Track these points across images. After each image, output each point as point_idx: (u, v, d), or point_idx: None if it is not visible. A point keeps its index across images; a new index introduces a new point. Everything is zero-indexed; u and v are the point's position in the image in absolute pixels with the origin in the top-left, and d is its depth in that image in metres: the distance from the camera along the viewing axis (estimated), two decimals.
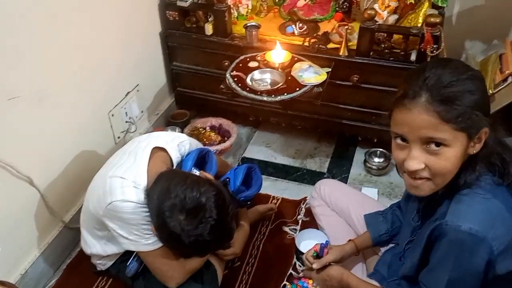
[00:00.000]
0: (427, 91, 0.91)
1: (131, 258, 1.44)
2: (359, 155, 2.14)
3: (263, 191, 1.92)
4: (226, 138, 2.15)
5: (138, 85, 2.02)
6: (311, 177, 2.03)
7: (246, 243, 1.66)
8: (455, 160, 0.94)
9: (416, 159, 0.95)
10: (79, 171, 1.71)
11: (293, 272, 1.63)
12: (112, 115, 1.88)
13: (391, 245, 1.45)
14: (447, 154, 0.93)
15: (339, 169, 2.08)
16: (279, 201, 1.92)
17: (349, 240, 1.43)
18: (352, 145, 2.19)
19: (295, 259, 1.66)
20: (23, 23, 1.36)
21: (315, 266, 1.33)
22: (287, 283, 1.59)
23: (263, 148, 2.21)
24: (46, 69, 1.49)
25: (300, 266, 1.64)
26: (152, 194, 1.25)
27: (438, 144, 0.92)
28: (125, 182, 1.30)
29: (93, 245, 1.49)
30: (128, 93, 1.96)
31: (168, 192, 1.21)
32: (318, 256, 1.38)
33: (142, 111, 2.09)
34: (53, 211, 1.61)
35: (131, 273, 1.45)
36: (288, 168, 2.11)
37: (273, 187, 2.00)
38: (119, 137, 1.93)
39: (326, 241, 1.46)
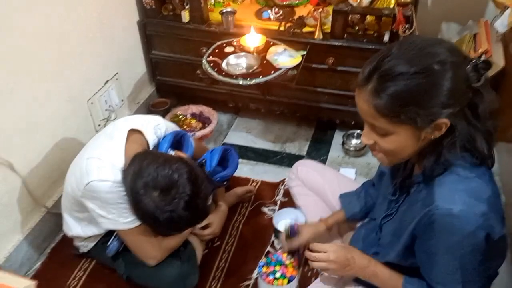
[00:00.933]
0: (373, 82, 0.94)
1: (111, 238, 1.48)
2: (337, 138, 2.18)
3: (242, 174, 1.97)
4: (206, 125, 2.18)
5: (117, 73, 2.04)
6: (290, 161, 2.06)
7: (225, 224, 1.70)
8: (401, 144, 0.99)
9: (366, 136, 1.03)
10: (59, 158, 1.73)
11: (271, 250, 1.67)
12: (92, 103, 1.90)
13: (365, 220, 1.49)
14: (392, 138, 0.98)
15: (318, 152, 2.12)
16: (259, 184, 1.95)
17: (321, 220, 1.47)
18: (331, 128, 2.23)
19: (273, 238, 1.70)
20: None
21: (286, 249, 1.41)
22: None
23: (243, 134, 2.25)
24: (18, 59, 1.50)
25: (278, 244, 1.68)
26: (127, 175, 1.28)
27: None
28: (101, 163, 1.33)
29: (74, 227, 1.52)
30: (107, 81, 1.98)
31: (141, 171, 1.24)
32: (290, 235, 1.43)
33: (122, 100, 2.11)
34: (35, 197, 1.64)
35: (111, 253, 1.48)
36: (268, 152, 2.15)
37: (253, 171, 2.03)
38: (99, 125, 1.96)
39: (292, 221, 1.50)
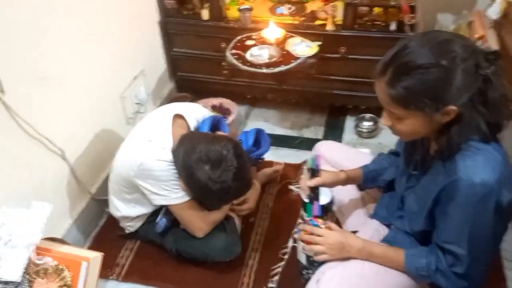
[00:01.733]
0: (389, 74, 1.06)
1: (160, 215, 1.61)
2: (349, 122, 2.36)
3: (266, 159, 2.11)
4: (227, 116, 2.32)
5: (143, 70, 2.18)
6: (309, 144, 2.20)
7: (257, 202, 1.84)
8: (414, 127, 1.12)
9: (385, 119, 1.17)
10: (99, 148, 1.87)
11: (301, 221, 1.81)
12: (124, 97, 2.03)
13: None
14: (406, 122, 1.12)
15: (333, 136, 2.29)
16: (282, 166, 2.10)
17: (342, 171, 1.56)
18: (343, 114, 2.40)
19: (301, 211, 1.84)
20: (47, 16, 1.52)
21: (309, 183, 1.41)
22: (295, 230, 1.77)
23: (261, 123, 2.40)
24: (65, 56, 1.63)
25: (308, 217, 1.82)
26: (178, 153, 1.43)
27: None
28: (153, 144, 1.47)
29: (122, 208, 1.65)
30: (135, 77, 2.12)
31: (193, 148, 1.39)
32: (312, 170, 1.46)
33: (148, 94, 2.25)
34: (81, 184, 1.77)
35: (160, 229, 1.61)
36: (287, 138, 2.31)
37: (275, 155, 2.18)
38: (130, 118, 2.09)
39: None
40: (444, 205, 1.17)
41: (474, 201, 1.09)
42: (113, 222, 1.80)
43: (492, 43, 2.17)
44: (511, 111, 1.11)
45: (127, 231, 1.75)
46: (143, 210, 1.63)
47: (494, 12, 2.11)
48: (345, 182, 1.55)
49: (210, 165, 1.36)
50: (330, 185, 1.50)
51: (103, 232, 1.86)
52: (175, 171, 1.46)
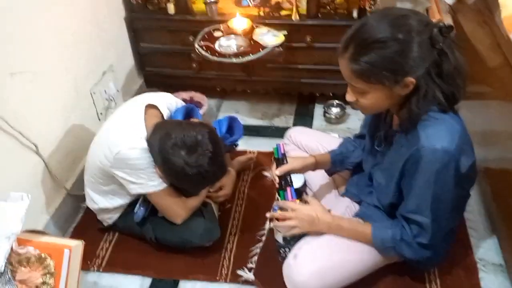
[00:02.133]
0: (350, 50, 1.14)
1: (138, 205, 1.63)
2: (318, 109, 2.43)
3: (239, 148, 2.16)
4: (199, 109, 2.35)
5: (112, 65, 2.19)
6: (280, 132, 2.25)
7: (233, 189, 1.88)
8: (376, 100, 1.20)
9: (349, 94, 1.24)
10: (72, 143, 1.87)
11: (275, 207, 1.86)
12: (94, 93, 2.03)
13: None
14: (368, 96, 1.19)
15: (303, 123, 2.35)
16: (255, 154, 2.15)
17: (310, 155, 1.62)
18: (311, 102, 2.48)
19: (277, 195, 1.89)
20: (19, 14, 1.53)
21: (277, 172, 1.47)
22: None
23: (232, 114, 2.43)
24: (35, 52, 1.63)
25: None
26: (153, 141, 1.45)
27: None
28: (128, 134, 1.49)
29: (99, 201, 1.66)
30: (104, 72, 2.12)
31: (168, 135, 1.41)
32: (277, 159, 1.51)
33: (118, 90, 2.25)
34: (56, 179, 1.76)
35: (139, 218, 1.63)
36: (258, 128, 2.36)
37: (248, 145, 2.22)
38: (101, 113, 2.09)
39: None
40: (408, 176, 1.24)
41: (435, 167, 1.16)
42: (90, 216, 1.81)
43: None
44: (465, 82, 1.19)
45: (105, 224, 1.76)
46: (120, 201, 1.65)
47: None
48: (315, 166, 1.60)
49: (186, 150, 1.39)
50: (300, 171, 1.56)
51: (81, 226, 1.85)
52: (151, 159, 1.48)
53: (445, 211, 1.26)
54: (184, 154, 1.39)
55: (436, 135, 1.17)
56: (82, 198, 1.80)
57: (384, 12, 1.18)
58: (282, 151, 1.53)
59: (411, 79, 1.13)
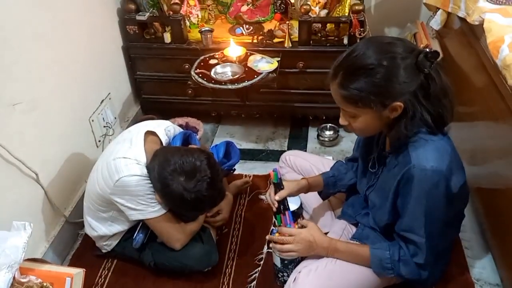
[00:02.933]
0: (339, 75, 1.19)
1: (136, 231, 1.65)
2: (312, 132, 2.48)
3: (235, 172, 2.19)
4: (195, 134, 2.39)
5: (109, 93, 2.23)
6: (275, 156, 2.32)
7: (230, 213, 1.90)
8: (366, 124, 1.24)
9: (342, 118, 1.29)
10: (71, 171, 1.89)
11: (274, 228, 1.88)
12: (92, 121, 2.07)
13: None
14: (358, 119, 1.24)
15: (297, 146, 2.40)
16: (251, 177, 2.19)
17: (303, 178, 1.66)
18: (305, 125, 2.53)
19: (274, 219, 1.92)
20: (18, 45, 1.57)
21: (276, 197, 1.48)
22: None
23: (227, 138, 2.47)
24: (35, 82, 1.67)
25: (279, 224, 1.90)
26: (153, 167, 1.48)
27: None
28: (128, 161, 1.52)
29: (98, 228, 1.68)
30: (102, 101, 2.16)
31: (167, 161, 1.45)
32: (276, 184, 1.52)
33: (115, 117, 2.29)
34: (55, 207, 1.78)
35: (138, 244, 1.65)
36: (253, 151, 2.40)
37: (243, 168, 2.26)
38: (99, 141, 2.13)
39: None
40: (402, 195, 1.28)
41: (427, 186, 1.20)
42: (88, 243, 1.82)
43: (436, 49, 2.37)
44: (452, 104, 1.24)
45: (103, 251, 1.77)
46: (119, 227, 1.66)
47: (435, 23, 2.32)
48: (308, 188, 1.64)
49: (184, 176, 1.43)
50: (295, 194, 1.60)
51: (79, 254, 1.86)
52: (151, 185, 1.51)
53: (438, 230, 1.29)
54: (182, 180, 1.42)
55: (426, 155, 1.21)
56: (81, 225, 1.81)
57: (371, 40, 1.24)
58: (279, 176, 1.57)
59: (398, 103, 1.17)
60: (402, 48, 1.17)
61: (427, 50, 1.18)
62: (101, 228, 1.68)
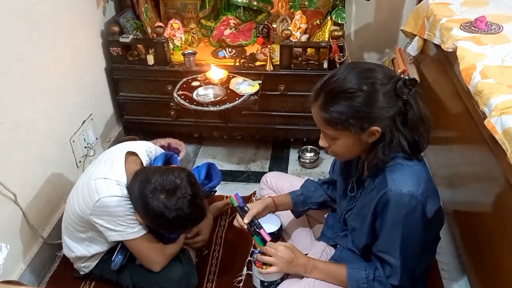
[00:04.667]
0: (320, 99, 1.22)
1: (115, 253, 1.64)
2: (293, 154, 2.51)
3: (216, 194, 2.20)
4: (177, 155, 2.39)
5: (91, 114, 2.23)
6: (256, 177, 2.33)
7: (210, 235, 1.91)
8: (345, 147, 1.27)
9: (322, 140, 1.32)
10: (50, 192, 1.88)
11: (255, 250, 1.89)
12: (73, 141, 2.07)
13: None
14: (338, 142, 1.27)
15: (278, 168, 2.42)
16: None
17: (269, 196, 1.67)
18: (286, 147, 2.56)
19: (254, 241, 1.92)
20: (1, 65, 1.58)
21: (245, 220, 1.50)
22: (250, 258, 1.84)
23: (209, 160, 2.49)
24: (17, 103, 1.68)
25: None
26: (133, 187, 1.48)
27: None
28: (108, 181, 1.51)
29: (76, 249, 1.66)
30: (84, 121, 2.17)
31: (148, 180, 1.45)
32: (239, 208, 1.53)
33: (97, 138, 2.29)
34: (33, 228, 1.76)
35: (117, 266, 1.63)
36: (235, 172, 2.41)
37: (224, 190, 2.26)
38: (80, 162, 2.12)
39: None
40: (379, 217, 1.30)
41: (403, 210, 1.22)
42: (66, 265, 1.80)
43: (413, 76, 2.44)
44: (429, 131, 1.27)
45: (82, 273, 1.75)
46: (97, 248, 1.65)
47: (412, 49, 2.39)
48: (275, 207, 1.65)
49: (165, 194, 1.42)
50: (262, 213, 1.59)
51: (57, 275, 1.84)
52: (131, 206, 1.51)
53: (414, 254, 1.31)
54: (163, 197, 1.42)
55: (402, 180, 1.23)
56: (59, 246, 1.79)
57: (352, 65, 1.27)
58: (240, 201, 1.56)
59: (376, 128, 1.20)
60: (382, 75, 1.21)
61: (406, 77, 1.22)
62: (79, 249, 1.66)
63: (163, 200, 1.42)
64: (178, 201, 1.42)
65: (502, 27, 1.89)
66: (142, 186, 1.45)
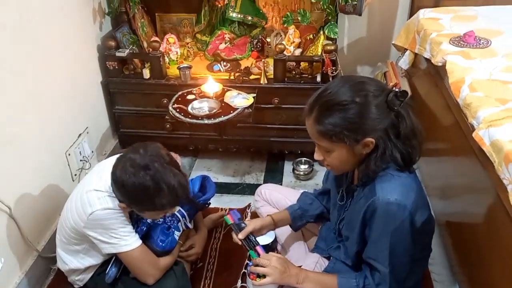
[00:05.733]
0: (315, 112, 1.25)
1: (109, 266, 1.64)
2: (287, 166, 2.54)
3: (211, 205, 2.21)
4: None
5: (87, 127, 2.25)
6: (251, 189, 2.35)
7: (204, 248, 1.91)
8: (340, 159, 1.29)
9: (317, 153, 1.34)
10: (45, 205, 1.89)
11: (249, 262, 1.90)
12: (69, 155, 2.08)
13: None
14: (333, 154, 1.29)
15: (273, 180, 2.44)
16: (227, 211, 2.20)
17: (268, 215, 1.67)
18: (281, 159, 2.58)
19: (248, 254, 1.93)
20: None
21: (240, 236, 1.52)
22: (245, 271, 1.85)
23: (205, 172, 2.51)
24: (12, 116, 1.70)
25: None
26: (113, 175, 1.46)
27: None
28: (100, 194, 1.53)
29: (70, 261, 1.67)
30: (80, 134, 2.19)
31: (121, 168, 1.43)
32: (234, 225, 1.56)
33: (92, 151, 2.31)
34: (28, 241, 1.77)
35: (111, 279, 1.63)
36: (230, 185, 2.43)
37: (219, 202, 2.28)
38: (75, 174, 2.13)
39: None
40: (368, 225, 1.32)
41: (390, 219, 1.24)
42: (61, 278, 1.80)
43: (405, 89, 2.47)
44: (421, 144, 1.29)
45: (76, 286, 1.74)
46: (91, 261, 1.66)
47: (404, 63, 2.43)
48: (274, 225, 1.66)
49: (140, 168, 1.40)
50: (259, 231, 1.61)
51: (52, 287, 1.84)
52: (124, 217, 1.52)
53: (403, 263, 1.32)
54: (142, 171, 1.39)
55: (391, 189, 1.25)
56: (53, 260, 1.80)
57: (345, 79, 1.31)
58: (235, 218, 1.58)
59: (370, 139, 1.23)
60: (374, 87, 1.24)
61: (397, 89, 1.25)
62: (73, 262, 1.67)
63: (138, 171, 1.39)
64: (158, 171, 1.39)
65: (490, 42, 1.93)
66: (114, 169, 1.44)
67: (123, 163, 1.43)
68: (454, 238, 1.84)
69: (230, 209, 1.61)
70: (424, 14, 2.29)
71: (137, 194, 1.42)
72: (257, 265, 1.46)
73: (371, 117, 1.21)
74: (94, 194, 1.53)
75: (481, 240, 1.54)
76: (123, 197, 1.47)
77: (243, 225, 1.55)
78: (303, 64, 2.31)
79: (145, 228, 1.65)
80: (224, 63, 2.44)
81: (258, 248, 1.52)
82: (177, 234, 1.72)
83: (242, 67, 2.40)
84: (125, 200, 1.48)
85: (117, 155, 1.70)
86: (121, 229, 1.52)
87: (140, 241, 1.57)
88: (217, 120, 2.04)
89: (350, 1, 2.14)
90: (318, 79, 2.28)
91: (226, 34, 2.55)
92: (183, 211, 1.75)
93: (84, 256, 1.65)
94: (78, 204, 1.55)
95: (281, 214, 1.70)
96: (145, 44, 2.51)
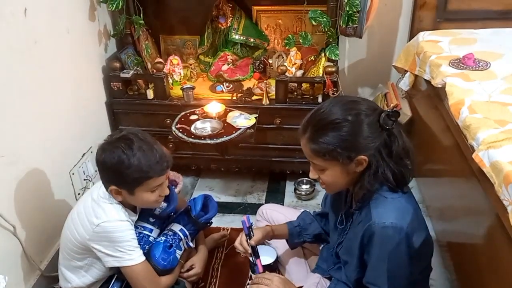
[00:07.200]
0: (308, 132, 1.29)
1: (111, 283, 1.65)
2: (289, 186, 2.55)
3: (212, 225, 2.22)
4: (174, 187, 2.43)
5: (91, 147, 2.28)
6: (253, 209, 2.35)
7: (206, 268, 1.90)
8: (334, 177, 1.31)
9: (312, 172, 1.37)
10: (48, 224, 1.90)
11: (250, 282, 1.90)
12: (73, 174, 2.10)
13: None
14: (327, 172, 1.31)
15: (275, 200, 2.45)
16: (229, 231, 2.21)
17: (267, 225, 1.73)
18: (282, 179, 2.60)
19: (250, 272, 1.93)
20: (4, 99, 1.64)
21: (252, 243, 1.56)
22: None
23: (207, 192, 2.52)
24: (18, 136, 1.73)
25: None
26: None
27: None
28: (106, 207, 1.55)
29: (72, 279, 1.67)
30: (84, 154, 2.21)
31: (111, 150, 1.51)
32: (248, 235, 1.60)
33: (96, 171, 2.32)
34: (31, 260, 1.78)
35: None
36: (232, 204, 2.44)
37: (221, 221, 2.29)
38: (79, 194, 2.15)
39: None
40: (366, 250, 1.33)
41: (387, 243, 1.25)
42: None
43: (406, 110, 2.50)
44: (413, 164, 1.31)
45: None
46: (91, 279, 1.66)
47: (404, 84, 2.46)
48: (272, 235, 1.69)
49: (114, 142, 1.51)
50: (262, 240, 1.64)
51: None
52: (129, 228, 1.55)
53: (402, 285, 1.32)
54: (116, 143, 1.50)
55: (386, 213, 1.27)
56: (56, 279, 1.80)
57: (337, 99, 1.36)
58: (248, 225, 1.61)
59: (363, 157, 1.25)
60: (366, 106, 1.28)
61: (388, 110, 1.28)
62: (75, 279, 1.67)
63: (113, 145, 1.50)
64: (127, 137, 1.52)
65: (490, 64, 1.97)
66: (96, 157, 1.53)
67: (100, 146, 1.51)
68: (454, 259, 1.84)
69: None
70: (423, 36, 2.34)
71: (119, 168, 1.47)
72: (257, 284, 1.46)
73: (363, 135, 1.24)
74: (101, 207, 1.55)
75: (481, 261, 1.54)
76: (109, 178, 1.52)
77: (252, 234, 1.59)
78: (304, 85, 2.35)
79: (147, 246, 1.66)
80: (227, 84, 2.48)
81: (258, 263, 1.55)
82: (178, 253, 1.72)
83: (245, 88, 2.44)
84: (111, 181, 1.52)
85: None
86: (127, 242, 1.54)
87: (144, 257, 1.58)
88: (220, 140, 2.07)
89: (350, 24, 2.18)
90: (320, 100, 2.31)
91: (228, 55, 2.60)
92: (185, 230, 1.77)
93: (85, 274, 1.66)
94: (83, 218, 1.56)
95: (280, 227, 1.72)
96: (149, 65, 2.55)
